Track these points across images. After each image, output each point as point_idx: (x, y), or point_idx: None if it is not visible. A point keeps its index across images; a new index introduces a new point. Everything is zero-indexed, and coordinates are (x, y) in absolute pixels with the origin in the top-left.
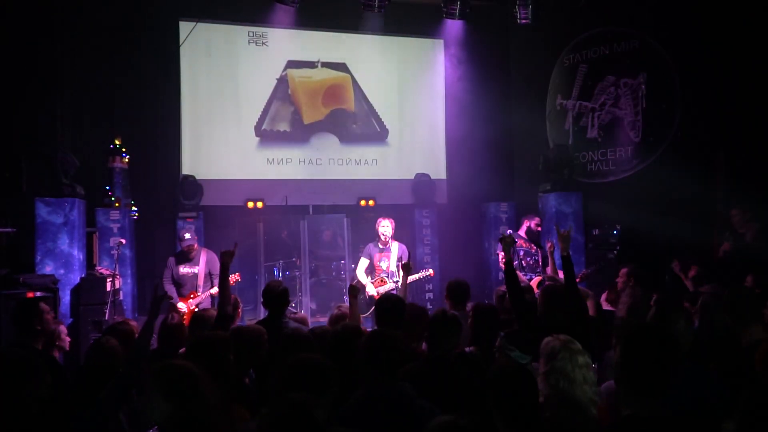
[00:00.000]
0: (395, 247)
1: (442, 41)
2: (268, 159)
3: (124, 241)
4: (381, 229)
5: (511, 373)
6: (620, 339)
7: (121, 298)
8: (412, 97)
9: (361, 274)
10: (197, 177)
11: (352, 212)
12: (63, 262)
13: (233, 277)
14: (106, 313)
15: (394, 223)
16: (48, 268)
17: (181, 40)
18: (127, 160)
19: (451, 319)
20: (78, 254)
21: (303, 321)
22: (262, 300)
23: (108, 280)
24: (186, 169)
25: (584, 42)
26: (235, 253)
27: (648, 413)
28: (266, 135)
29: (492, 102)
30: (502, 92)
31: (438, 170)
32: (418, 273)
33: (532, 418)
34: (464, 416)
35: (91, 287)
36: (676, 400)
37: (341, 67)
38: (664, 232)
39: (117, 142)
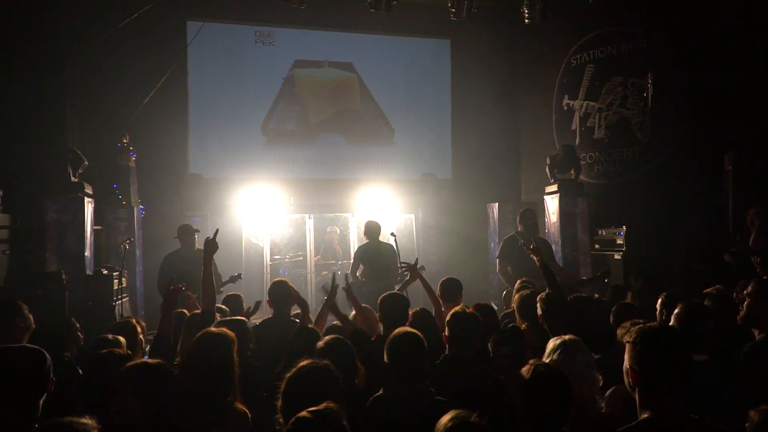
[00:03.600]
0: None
1: (448, 41)
2: (274, 158)
3: (131, 239)
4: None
5: (547, 377)
6: (634, 341)
7: (128, 295)
8: (418, 97)
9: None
10: (204, 176)
11: (358, 211)
12: (71, 259)
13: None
14: (113, 310)
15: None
16: (56, 266)
17: (188, 40)
18: (134, 159)
19: (471, 317)
20: (86, 252)
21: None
22: (267, 299)
23: (115, 277)
24: (193, 167)
25: (591, 42)
26: (215, 241)
27: (666, 415)
28: (273, 134)
29: (498, 102)
30: (509, 92)
31: (444, 170)
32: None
33: (562, 422)
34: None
35: (98, 285)
36: (699, 400)
37: (348, 66)
38: (671, 234)
39: (125, 141)
